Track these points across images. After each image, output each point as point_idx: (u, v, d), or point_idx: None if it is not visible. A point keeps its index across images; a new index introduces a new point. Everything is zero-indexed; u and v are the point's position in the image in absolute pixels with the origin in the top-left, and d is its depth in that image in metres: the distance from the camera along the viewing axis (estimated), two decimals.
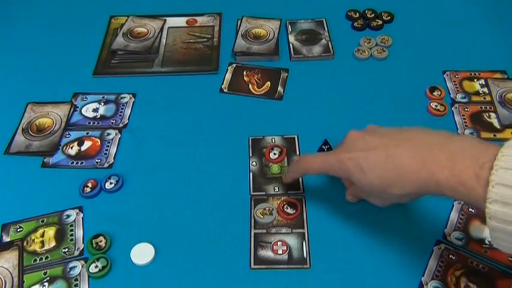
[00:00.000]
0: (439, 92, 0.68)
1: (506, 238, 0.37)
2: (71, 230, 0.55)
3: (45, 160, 0.62)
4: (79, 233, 0.55)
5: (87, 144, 0.64)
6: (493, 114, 0.65)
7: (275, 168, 0.60)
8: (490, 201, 0.36)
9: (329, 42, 0.76)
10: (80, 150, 0.63)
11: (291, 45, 0.76)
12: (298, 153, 0.62)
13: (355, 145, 0.47)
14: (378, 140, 0.46)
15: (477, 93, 0.68)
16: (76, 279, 0.51)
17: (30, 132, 0.65)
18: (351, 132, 0.50)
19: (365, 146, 0.46)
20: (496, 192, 0.35)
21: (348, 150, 0.48)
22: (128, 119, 0.67)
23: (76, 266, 0.52)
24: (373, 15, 0.81)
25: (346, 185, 0.56)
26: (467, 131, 0.63)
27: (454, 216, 0.55)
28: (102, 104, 0.69)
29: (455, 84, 0.69)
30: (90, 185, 0.58)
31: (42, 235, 0.54)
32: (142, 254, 0.52)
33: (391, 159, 0.43)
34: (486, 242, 0.52)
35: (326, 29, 0.79)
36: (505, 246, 0.38)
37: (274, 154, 0.60)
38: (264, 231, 0.54)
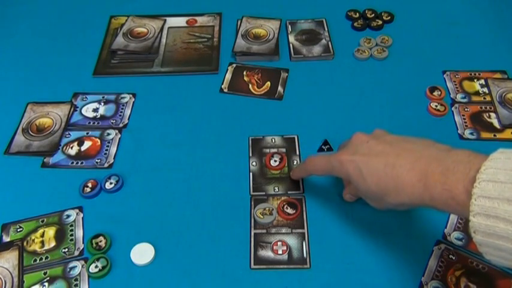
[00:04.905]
0: (439, 92, 0.68)
1: (493, 252, 0.35)
2: (71, 230, 0.55)
3: (45, 160, 0.62)
4: (79, 233, 0.55)
5: (87, 144, 0.64)
6: (493, 114, 0.65)
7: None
8: (473, 215, 0.35)
9: (329, 42, 0.76)
10: (80, 150, 0.63)
11: (291, 45, 0.76)
12: (298, 153, 0.62)
13: (358, 149, 0.48)
14: (380, 147, 0.46)
15: (477, 93, 0.68)
16: (76, 279, 0.51)
17: (30, 132, 0.65)
18: (357, 134, 0.50)
19: (367, 151, 0.47)
20: (478, 204, 0.35)
21: (351, 153, 0.48)
22: (128, 119, 0.67)
23: (76, 266, 0.52)
24: (373, 15, 0.81)
25: (345, 183, 0.56)
26: (467, 131, 0.63)
27: (454, 216, 0.55)
28: (102, 104, 0.69)
29: (455, 84, 0.69)
30: (90, 185, 0.58)
31: (42, 235, 0.54)
32: (142, 254, 0.52)
33: (390, 168, 0.43)
34: None
35: (326, 29, 0.78)
36: (496, 260, 0.36)
37: (275, 161, 0.60)
38: (264, 231, 0.54)
